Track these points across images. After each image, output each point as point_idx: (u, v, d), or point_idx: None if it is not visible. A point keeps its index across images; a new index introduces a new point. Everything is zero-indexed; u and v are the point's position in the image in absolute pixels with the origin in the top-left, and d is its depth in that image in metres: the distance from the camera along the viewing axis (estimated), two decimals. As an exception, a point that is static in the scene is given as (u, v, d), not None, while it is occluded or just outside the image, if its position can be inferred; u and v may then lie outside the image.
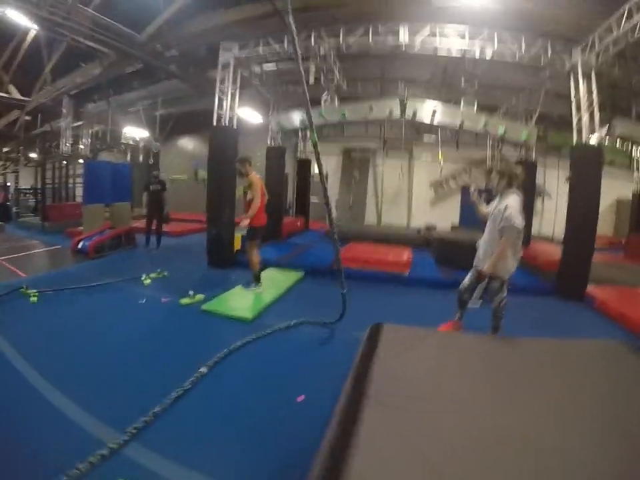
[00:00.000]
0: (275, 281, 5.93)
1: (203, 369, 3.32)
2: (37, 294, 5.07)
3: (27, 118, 17.44)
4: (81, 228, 10.49)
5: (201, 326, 4.38)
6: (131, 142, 16.14)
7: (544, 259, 7.36)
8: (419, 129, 13.39)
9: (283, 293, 5.53)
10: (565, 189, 6.69)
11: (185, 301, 4.97)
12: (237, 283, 5.76)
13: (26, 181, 20.71)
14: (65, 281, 6.03)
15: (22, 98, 15.65)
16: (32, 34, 11.54)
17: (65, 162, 15.89)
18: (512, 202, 3.47)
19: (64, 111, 14.22)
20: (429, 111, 8.10)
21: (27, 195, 20.37)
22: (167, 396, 2.88)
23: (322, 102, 8.46)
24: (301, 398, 3.05)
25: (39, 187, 16.34)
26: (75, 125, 15.07)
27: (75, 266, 7.36)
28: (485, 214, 3.87)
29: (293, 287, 5.97)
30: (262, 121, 11.48)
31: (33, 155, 20.01)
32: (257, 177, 5.46)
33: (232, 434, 2.65)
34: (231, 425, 2.74)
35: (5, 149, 20.39)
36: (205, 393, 3.08)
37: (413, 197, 14.64)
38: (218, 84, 7.02)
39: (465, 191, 12.91)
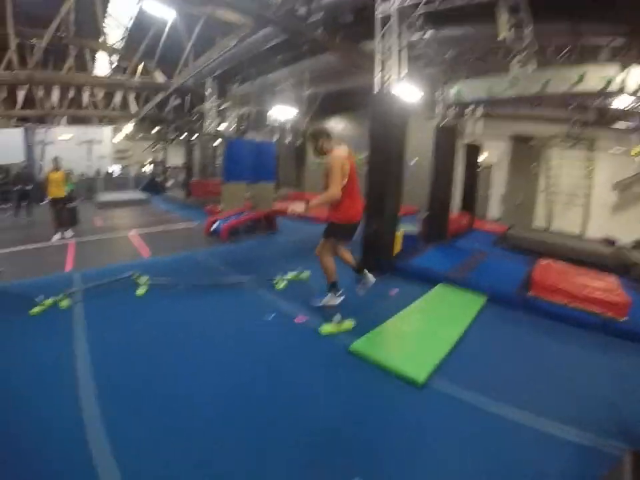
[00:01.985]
0: (452, 309, 4.16)
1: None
2: (146, 285, 4.45)
3: (177, 102, 18.48)
4: (221, 207, 10.21)
5: (346, 381, 2.84)
6: (277, 123, 15.71)
7: None
8: (604, 114, 10.14)
9: (463, 331, 3.70)
10: None
11: (326, 329, 3.50)
12: (397, 305, 4.16)
13: (175, 158, 22.26)
14: (185, 270, 5.32)
15: (164, 82, 16.43)
16: (171, 20, 11.72)
17: (210, 141, 16.24)
18: None
19: (208, 92, 14.33)
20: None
21: (176, 171, 21.92)
22: None
23: (512, 66, 6.32)
24: None
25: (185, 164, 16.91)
26: (222, 108, 15.16)
27: (203, 251, 6.60)
28: None
29: (475, 320, 4.04)
30: (418, 98, 9.71)
31: (181, 135, 21.25)
32: (339, 155, 3.61)
33: None
34: None
35: (154, 130, 22.11)
36: None
37: (591, 199, 11.45)
38: (377, 40, 5.40)
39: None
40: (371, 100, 5.35)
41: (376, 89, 5.29)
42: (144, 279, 4.55)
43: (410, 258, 5.63)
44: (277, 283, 4.66)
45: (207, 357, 3.04)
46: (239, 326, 3.66)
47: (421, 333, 3.54)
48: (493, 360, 3.29)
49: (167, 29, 12.76)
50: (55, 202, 8.11)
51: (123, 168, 20.63)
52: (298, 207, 3.61)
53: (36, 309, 3.78)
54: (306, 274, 4.92)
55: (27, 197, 10.11)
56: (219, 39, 11.14)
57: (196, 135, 17.45)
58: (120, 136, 21.07)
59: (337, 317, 3.55)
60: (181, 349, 3.17)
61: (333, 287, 4.02)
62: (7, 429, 2.21)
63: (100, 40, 17.24)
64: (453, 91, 6.97)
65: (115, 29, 17.92)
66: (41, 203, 9.99)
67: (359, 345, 3.16)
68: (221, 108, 15.02)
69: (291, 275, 4.95)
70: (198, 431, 2.25)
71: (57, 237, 7.88)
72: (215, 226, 8.14)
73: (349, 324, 3.57)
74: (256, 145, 10.20)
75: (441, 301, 4.34)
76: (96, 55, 18.85)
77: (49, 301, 3.92)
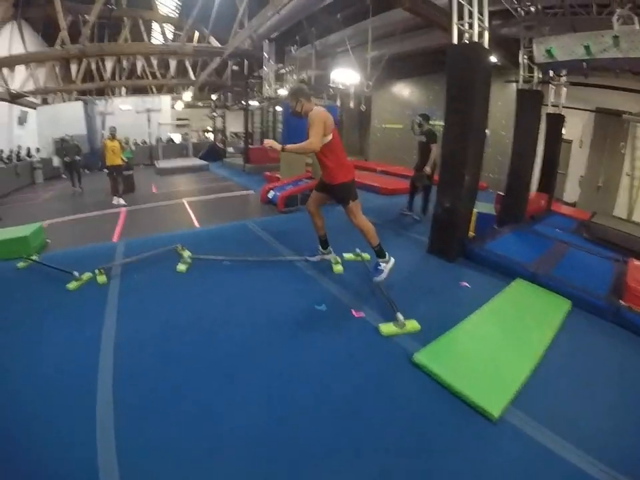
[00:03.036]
0: (532, 315, 3.35)
1: None
2: (189, 260, 4.12)
3: (235, 68, 18.08)
4: (278, 175, 10.00)
5: (406, 402, 2.29)
6: (340, 86, 14.90)
7: None
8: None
9: (547, 347, 2.88)
10: None
11: (387, 329, 2.91)
12: (468, 301, 3.50)
13: (236, 125, 22.13)
14: (233, 242, 5.07)
15: (220, 46, 15.96)
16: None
17: (270, 107, 15.81)
18: None
19: (265, 55, 13.73)
20: None
21: (238, 137, 21.82)
22: None
23: (614, 22, 5.15)
24: None
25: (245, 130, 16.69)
26: (281, 71, 14.57)
27: (255, 221, 6.23)
28: None
29: (559, 330, 3.17)
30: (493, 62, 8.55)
31: (240, 101, 20.99)
32: (320, 111, 3.58)
33: None
34: None
35: (213, 96, 21.96)
36: None
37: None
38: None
39: None
40: (448, 53, 4.50)
41: (454, 39, 4.44)
42: (187, 253, 4.25)
43: (484, 242, 4.88)
44: (334, 264, 4.12)
45: (247, 359, 2.62)
46: (287, 316, 3.18)
47: (496, 346, 2.84)
48: (584, 390, 2.50)
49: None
50: (112, 169, 8.14)
51: (183, 135, 20.89)
52: (274, 145, 3.50)
53: (72, 284, 3.62)
54: (366, 255, 4.27)
55: (76, 167, 10.31)
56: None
57: (255, 100, 17.08)
58: (179, 104, 21.22)
59: (400, 316, 2.98)
60: (212, 341, 2.81)
61: (380, 251, 3.73)
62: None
63: (153, 10, 17.14)
64: (541, 49, 5.84)
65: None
66: (105, 170, 10.30)
67: (424, 356, 2.58)
68: (280, 72, 14.41)
69: (349, 254, 4.38)
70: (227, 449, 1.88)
71: (114, 202, 8.00)
72: (270, 195, 7.80)
73: (414, 325, 2.98)
74: (316, 108, 9.62)
75: (520, 302, 3.58)
76: (151, 26, 18.86)
77: (87, 275, 3.77)
